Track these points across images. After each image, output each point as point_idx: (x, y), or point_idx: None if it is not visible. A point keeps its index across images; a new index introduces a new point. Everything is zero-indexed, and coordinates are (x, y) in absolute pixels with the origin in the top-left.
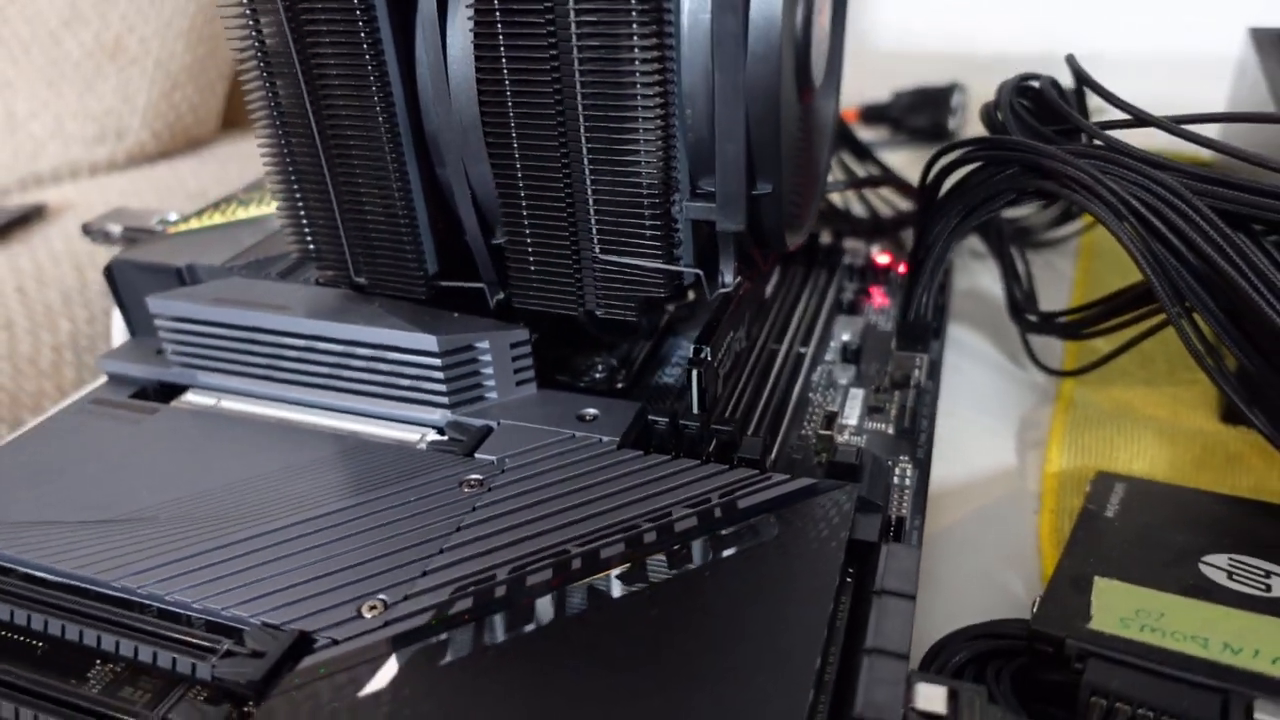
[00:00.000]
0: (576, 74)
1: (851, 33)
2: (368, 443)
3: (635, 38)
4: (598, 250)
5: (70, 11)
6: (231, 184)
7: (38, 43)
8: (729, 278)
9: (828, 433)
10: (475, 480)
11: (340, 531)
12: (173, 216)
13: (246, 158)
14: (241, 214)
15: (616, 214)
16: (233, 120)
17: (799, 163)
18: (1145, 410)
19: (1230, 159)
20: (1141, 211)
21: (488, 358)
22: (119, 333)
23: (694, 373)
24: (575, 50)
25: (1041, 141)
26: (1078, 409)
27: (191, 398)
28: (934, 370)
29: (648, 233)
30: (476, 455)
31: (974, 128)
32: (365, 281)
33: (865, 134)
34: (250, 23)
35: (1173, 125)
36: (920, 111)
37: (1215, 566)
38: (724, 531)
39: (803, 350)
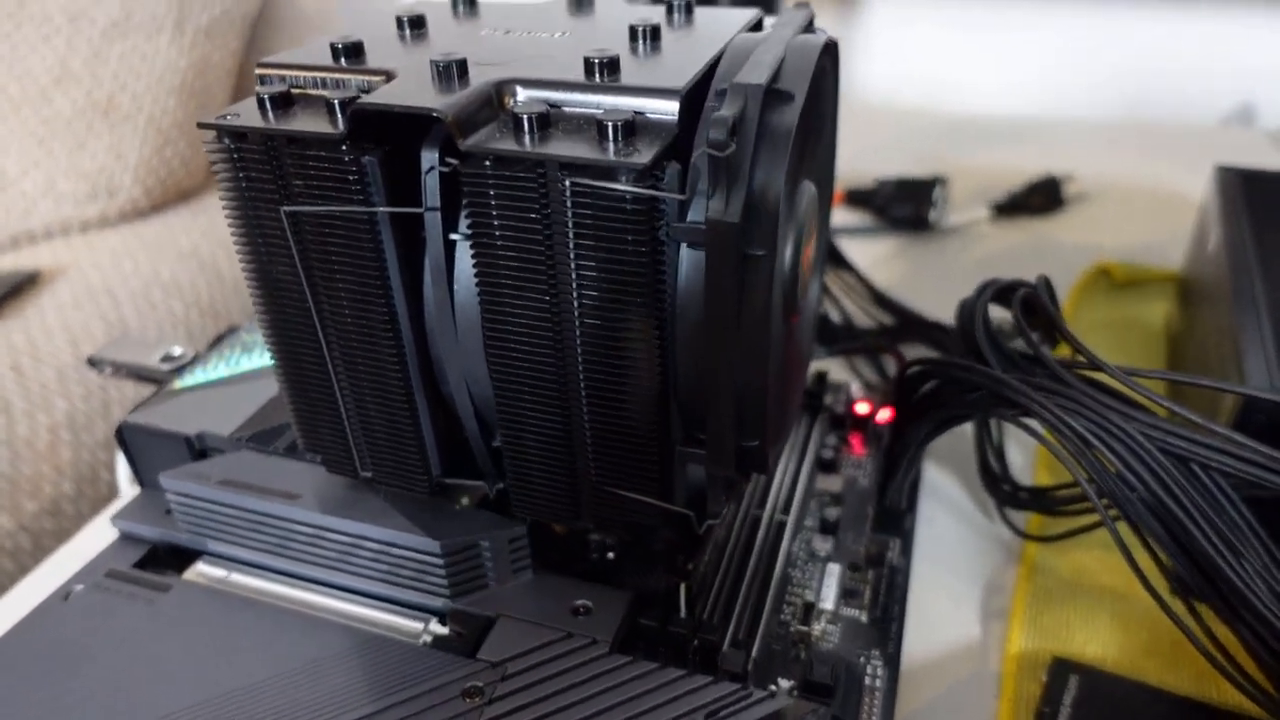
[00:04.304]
0: (578, 345)
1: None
2: (375, 639)
3: (633, 320)
4: (594, 479)
5: (61, 70)
6: (221, 238)
7: (29, 101)
8: (717, 508)
9: (805, 628)
10: (477, 688)
11: None
12: (177, 351)
13: None
14: (245, 363)
15: (612, 455)
16: None
17: (783, 375)
18: (1101, 579)
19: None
20: (1097, 446)
21: (488, 554)
22: (124, 478)
23: (681, 586)
24: (578, 325)
25: (1012, 366)
26: (1039, 577)
27: (203, 568)
28: (906, 546)
29: (642, 473)
30: (478, 656)
31: (955, 215)
32: (371, 475)
33: (849, 217)
34: (262, 259)
35: (1125, 378)
36: (903, 201)
37: None
38: None
39: (783, 518)
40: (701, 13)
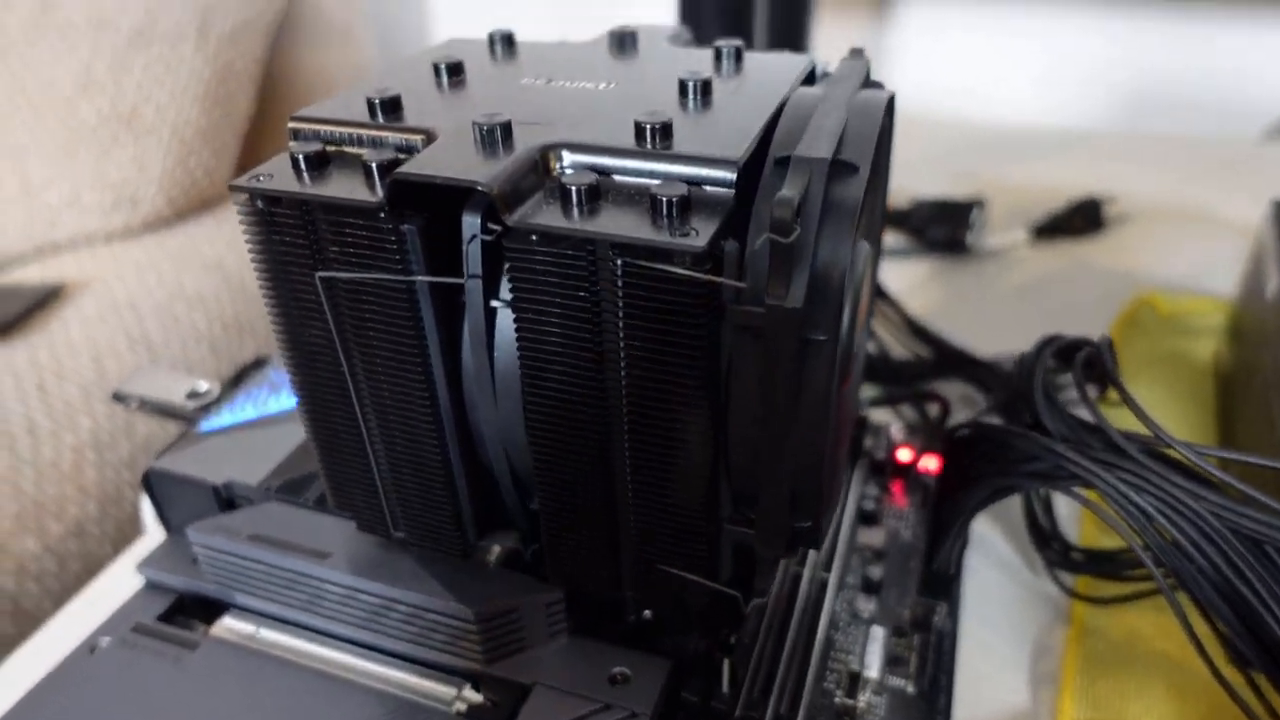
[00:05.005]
0: (625, 422)
1: None
2: (408, 706)
3: (684, 400)
4: (637, 555)
5: (86, 78)
6: (244, 249)
7: (53, 110)
8: (765, 586)
9: (850, 701)
10: None
11: None
12: (203, 386)
13: None
14: (273, 404)
15: (657, 532)
16: (245, 169)
17: (835, 442)
18: (1155, 644)
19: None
20: (1164, 525)
21: (523, 619)
22: (149, 515)
23: (725, 661)
24: (625, 402)
25: (1074, 437)
26: (1089, 640)
27: (231, 623)
28: (954, 610)
29: (688, 551)
30: None
31: (993, 238)
32: (403, 537)
33: (884, 238)
34: (294, 321)
35: (1196, 459)
36: (940, 224)
37: None
38: None
39: (824, 575)
40: (751, 60)
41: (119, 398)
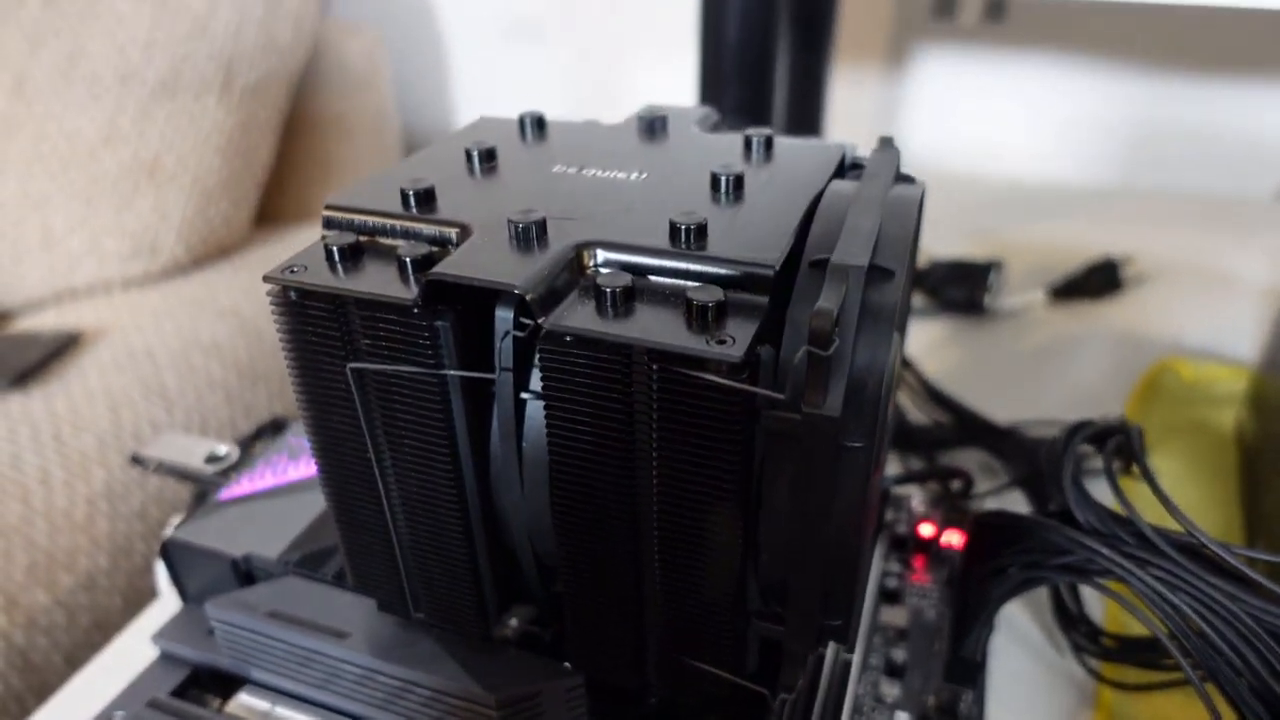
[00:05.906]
0: (654, 520)
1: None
2: None
3: (716, 503)
4: (662, 647)
5: (110, 130)
6: (260, 297)
7: (77, 160)
8: (792, 682)
9: None
10: None
11: None
12: (221, 450)
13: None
14: (292, 471)
15: (682, 625)
16: (263, 215)
17: (865, 535)
18: None
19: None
20: (1200, 625)
21: (544, 704)
22: (164, 581)
23: None
24: (655, 502)
25: (1104, 529)
26: None
27: (246, 699)
28: (980, 697)
29: (714, 645)
30: None
31: (1010, 298)
32: (424, 617)
33: None
34: (322, 408)
35: (1236, 565)
36: (957, 284)
37: None
38: None
39: (848, 656)
40: (781, 147)
41: (138, 461)
